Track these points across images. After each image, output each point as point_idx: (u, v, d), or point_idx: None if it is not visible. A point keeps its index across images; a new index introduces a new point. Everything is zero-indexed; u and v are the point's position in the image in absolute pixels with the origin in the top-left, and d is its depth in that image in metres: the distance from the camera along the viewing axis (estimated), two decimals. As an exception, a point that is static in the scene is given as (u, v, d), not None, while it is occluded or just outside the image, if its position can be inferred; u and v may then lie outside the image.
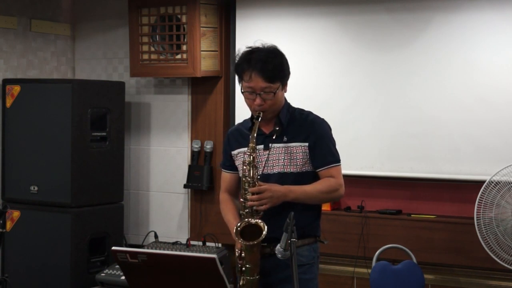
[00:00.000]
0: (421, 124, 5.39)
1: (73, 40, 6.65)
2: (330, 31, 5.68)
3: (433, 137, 5.36)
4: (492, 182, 4.80)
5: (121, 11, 6.32)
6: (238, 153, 3.80)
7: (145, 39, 6.03)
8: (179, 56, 5.91)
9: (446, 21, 5.32)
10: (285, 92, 3.76)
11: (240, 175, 3.74)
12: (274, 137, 3.72)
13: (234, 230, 3.60)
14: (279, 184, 3.65)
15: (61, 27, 6.52)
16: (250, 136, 3.64)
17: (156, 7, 5.95)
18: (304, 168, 3.71)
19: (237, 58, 3.72)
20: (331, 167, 3.71)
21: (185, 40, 5.86)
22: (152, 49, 6.03)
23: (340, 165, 3.75)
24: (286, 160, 3.70)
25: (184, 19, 5.87)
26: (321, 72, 5.72)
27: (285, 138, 3.72)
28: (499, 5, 5.17)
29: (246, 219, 3.61)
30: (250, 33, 5.76)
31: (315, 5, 5.71)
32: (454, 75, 5.30)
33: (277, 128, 3.72)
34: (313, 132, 3.72)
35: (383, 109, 5.52)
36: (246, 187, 3.62)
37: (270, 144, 3.71)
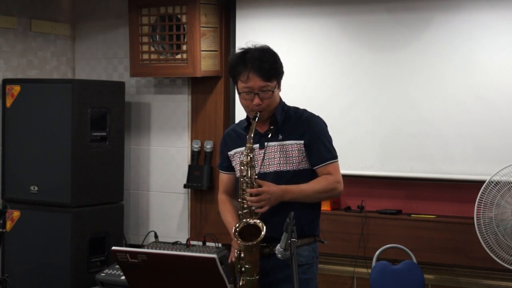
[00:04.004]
0: (421, 124, 5.39)
1: (73, 40, 6.65)
2: (330, 31, 5.68)
3: (433, 137, 5.36)
4: (492, 182, 4.80)
5: (121, 11, 6.32)
6: (235, 153, 3.80)
7: (145, 39, 6.03)
8: (179, 56, 5.91)
9: (446, 21, 5.32)
10: (280, 91, 3.76)
11: (238, 175, 3.75)
12: (269, 136, 3.72)
13: (233, 231, 3.61)
14: (276, 182, 3.66)
15: (61, 27, 6.52)
16: (247, 137, 3.65)
17: (156, 7, 5.95)
18: (300, 166, 3.71)
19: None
20: (328, 164, 3.71)
21: (185, 40, 5.86)
22: (152, 49, 6.03)
23: (337, 161, 3.75)
24: (282, 159, 3.70)
25: (184, 19, 5.87)
26: (321, 72, 5.72)
27: (280, 136, 3.72)
28: (499, 5, 5.17)
29: (244, 220, 3.61)
30: (250, 33, 5.77)
31: (315, 5, 5.71)
32: (454, 75, 5.30)
33: (272, 127, 3.73)
34: (308, 129, 3.72)
35: (383, 109, 5.52)
36: (244, 187, 3.62)
37: (265, 143, 3.72)
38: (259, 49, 3.69)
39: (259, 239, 3.54)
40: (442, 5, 5.33)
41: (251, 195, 3.59)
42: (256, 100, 3.65)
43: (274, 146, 3.71)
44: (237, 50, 3.74)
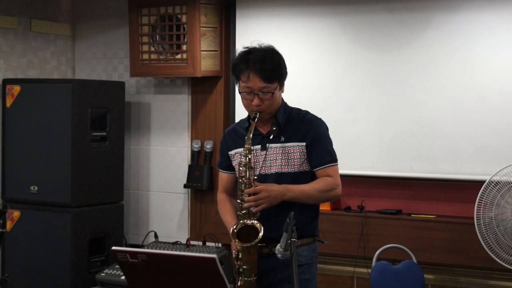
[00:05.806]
0: (421, 124, 5.40)
1: (73, 40, 6.65)
2: (330, 31, 5.68)
3: (433, 137, 5.37)
4: (492, 182, 4.80)
5: (121, 11, 6.32)
6: (235, 153, 3.80)
7: (145, 39, 6.03)
8: (179, 56, 5.91)
9: (446, 21, 5.32)
10: (282, 92, 3.75)
11: (237, 175, 3.74)
12: (271, 137, 3.72)
13: (231, 232, 3.60)
14: (277, 184, 3.65)
15: (61, 27, 6.52)
16: (246, 137, 3.64)
17: (156, 7, 5.95)
18: (301, 168, 3.71)
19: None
20: (328, 166, 3.71)
21: (185, 40, 5.86)
22: (152, 49, 6.03)
23: (337, 164, 3.75)
24: (284, 160, 3.70)
25: (184, 19, 5.87)
26: (321, 72, 5.72)
27: (282, 138, 3.71)
28: (499, 5, 5.17)
29: (242, 221, 3.61)
30: (250, 33, 5.77)
31: (315, 5, 5.71)
32: (454, 75, 5.30)
33: (274, 128, 3.72)
34: (310, 131, 3.71)
35: (383, 109, 5.52)
36: (243, 188, 3.62)
37: (267, 144, 3.71)
38: (263, 49, 3.68)
39: (256, 240, 3.53)
40: (442, 5, 5.33)
41: (249, 195, 3.59)
42: (256, 101, 3.64)
43: (276, 147, 3.71)
44: (242, 49, 3.72)
